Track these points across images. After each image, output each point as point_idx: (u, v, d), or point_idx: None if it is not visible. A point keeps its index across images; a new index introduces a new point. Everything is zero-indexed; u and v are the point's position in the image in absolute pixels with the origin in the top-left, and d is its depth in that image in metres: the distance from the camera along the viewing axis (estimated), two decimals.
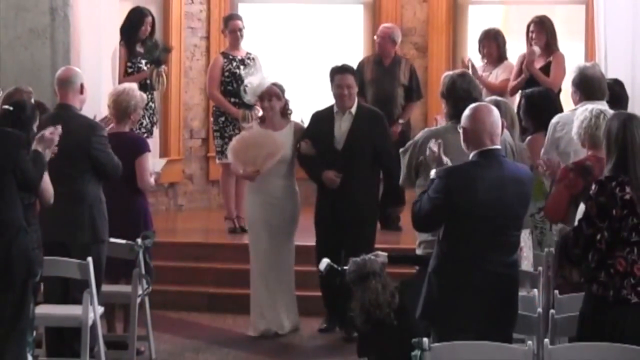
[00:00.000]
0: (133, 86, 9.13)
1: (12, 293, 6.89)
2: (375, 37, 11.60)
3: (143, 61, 11.11)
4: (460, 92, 7.58)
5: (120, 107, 8.79)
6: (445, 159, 6.60)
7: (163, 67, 11.26)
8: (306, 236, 9.67)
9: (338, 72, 9.31)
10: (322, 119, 9.40)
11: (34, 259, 7.02)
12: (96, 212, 8.18)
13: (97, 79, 10.33)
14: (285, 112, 9.44)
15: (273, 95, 9.33)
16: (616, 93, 8.59)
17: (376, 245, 10.53)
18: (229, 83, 11.28)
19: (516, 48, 11.17)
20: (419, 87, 11.58)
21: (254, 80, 9.49)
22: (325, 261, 7.40)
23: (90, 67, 10.06)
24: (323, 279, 8.76)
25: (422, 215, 6.39)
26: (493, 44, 10.99)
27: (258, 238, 9.42)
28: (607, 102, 8.11)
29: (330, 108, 9.40)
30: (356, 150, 9.22)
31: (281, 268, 9.39)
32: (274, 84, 9.41)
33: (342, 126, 9.28)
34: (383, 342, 6.66)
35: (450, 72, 7.94)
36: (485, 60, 10.98)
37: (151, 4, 11.96)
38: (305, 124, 9.50)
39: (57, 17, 10.67)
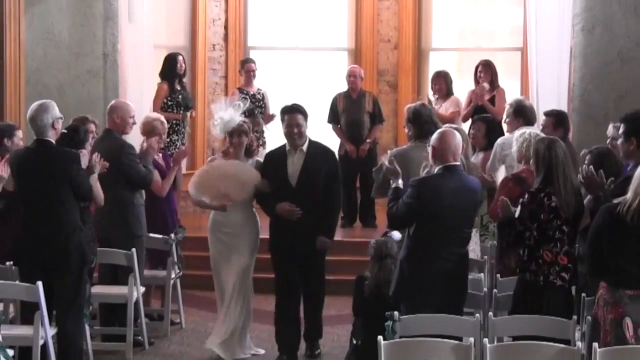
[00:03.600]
0: (153, 115, 9.08)
1: (70, 276, 6.91)
2: (347, 77, 11.59)
3: (180, 96, 11.06)
4: (425, 118, 7.60)
5: (144, 130, 8.68)
6: (399, 169, 6.64)
7: (191, 111, 11.23)
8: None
9: (288, 112, 7.83)
10: (276, 157, 7.87)
11: (87, 250, 7.04)
12: (129, 213, 8.09)
13: (140, 110, 10.35)
14: (248, 149, 8.00)
15: (243, 132, 7.91)
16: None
17: (359, 240, 10.59)
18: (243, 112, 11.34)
19: (466, 85, 11.20)
20: (380, 113, 11.59)
21: (225, 116, 7.95)
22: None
23: (134, 100, 10.07)
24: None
25: (400, 216, 6.39)
26: (442, 82, 11.02)
27: (220, 270, 7.99)
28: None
29: (283, 147, 7.88)
30: (309, 186, 7.70)
31: (241, 297, 7.90)
32: (244, 122, 8.05)
33: (294, 163, 7.75)
34: (376, 313, 6.54)
35: (413, 104, 7.93)
36: (437, 95, 11.00)
37: (181, 50, 11.97)
38: None
39: (108, 61, 10.72)
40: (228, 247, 7.91)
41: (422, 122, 7.56)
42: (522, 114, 8.40)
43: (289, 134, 7.79)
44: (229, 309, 7.86)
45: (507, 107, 8.70)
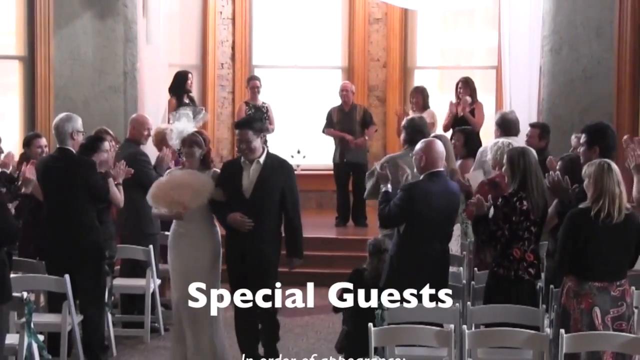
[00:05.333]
0: (163, 127, 9.06)
1: (89, 270, 6.98)
2: (340, 92, 11.60)
3: (188, 108, 11.05)
4: (417, 128, 7.69)
5: (156, 140, 8.71)
6: (389, 175, 6.66)
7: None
8: None
9: (239, 128, 7.05)
10: (232, 168, 7.05)
11: (103, 246, 7.10)
12: (141, 213, 7.95)
13: (156, 122, 10.37)
14: (205, 160, 7.06)
15: (193, 142, 6.96)
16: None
17: (351, 237, 10.59)
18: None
19: (448, 99, 11.20)
20: (371, 118, 11.52)
21: (179, 126, 7.13)
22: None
23: (151, 113, 10.08)
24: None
25: (392, 217, 6.41)
26: (419, 96, 11.04)
27: (180, 282, 6.91)
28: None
29: (239, 158, 7.07)
30: (263, 199, 6.86)
31: (202, 311, 6.61)
32: (197, 132, 7.13)
33: (250, 175, 6.88)
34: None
35: (412, 115, 7.95)
36: (414, 109, 11.00)
37: (193, 69, 11.99)
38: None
39: (128, 78, 10.72)
40: (188, 256, 6.95)
41: (414, 131, 7.62)
42: (502, 125, 8.50)
43: (239, 149, 7.06)
44: (196, 338, 6.91)
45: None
